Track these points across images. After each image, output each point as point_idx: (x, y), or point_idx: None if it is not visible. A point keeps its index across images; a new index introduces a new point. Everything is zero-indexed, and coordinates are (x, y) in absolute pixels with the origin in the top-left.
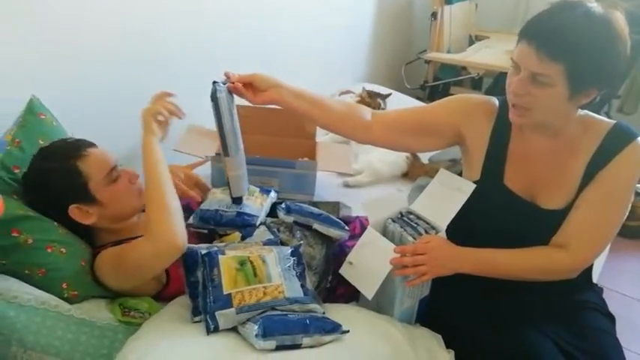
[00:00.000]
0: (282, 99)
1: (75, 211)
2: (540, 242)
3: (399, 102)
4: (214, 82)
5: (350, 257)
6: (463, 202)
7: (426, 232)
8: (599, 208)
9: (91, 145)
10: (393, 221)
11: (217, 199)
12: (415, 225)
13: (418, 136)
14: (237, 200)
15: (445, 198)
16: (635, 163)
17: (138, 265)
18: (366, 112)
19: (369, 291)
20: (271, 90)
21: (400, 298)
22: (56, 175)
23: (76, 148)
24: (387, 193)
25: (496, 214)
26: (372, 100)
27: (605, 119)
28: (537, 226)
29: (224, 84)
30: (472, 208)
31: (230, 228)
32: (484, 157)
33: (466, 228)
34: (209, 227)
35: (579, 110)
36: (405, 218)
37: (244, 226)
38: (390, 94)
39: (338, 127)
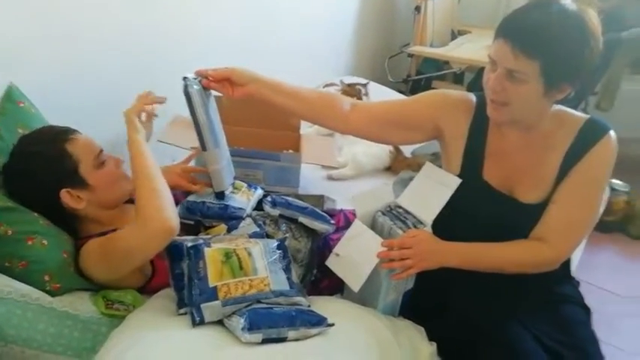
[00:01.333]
0: (259, 93)
1: (66, 196)
2: (519, 235)
3: (382, 95)
4: (184, 78)
5: (337, 249)
6: (449, 197)
7: (415, 226)
8: (575, 202)
9: (76, 131)
10: (383, 214)
11: (205, 192)
12: (404, 219)
13: (396, 129)
14: (219, 195)
15: (431, 192)
16: (608, 155)
17: (127, 250)
18: (346, 103)
19: (355, 283)
20: (249, 85)
21: (385, 291)
22: (46, 159)
23: (63, 132)
24: (374, 186)
25: (475, 208)
26: (351, 89)
27: (579, 114)
28: (516, 219)
29: (195, 78)
30: (452, 202)
31: (216, 220)
32: (463, 152)
33: (447, 222)
34: (195, 218)
35: (554, 105)
36: (394, 212)
37: (230, 218)
38: (368, 82)
39: (316, 118)
